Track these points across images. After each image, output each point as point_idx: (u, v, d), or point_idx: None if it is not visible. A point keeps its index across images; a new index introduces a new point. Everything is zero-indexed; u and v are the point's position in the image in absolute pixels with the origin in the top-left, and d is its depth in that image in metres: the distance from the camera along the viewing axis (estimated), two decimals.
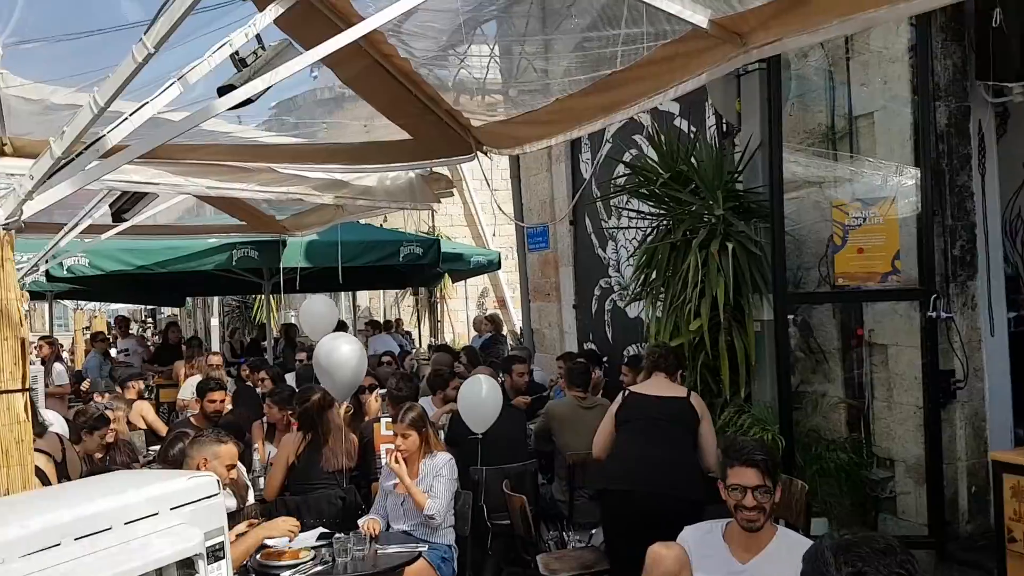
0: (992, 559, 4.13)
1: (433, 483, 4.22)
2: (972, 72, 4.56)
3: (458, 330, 15.63)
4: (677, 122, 6.28)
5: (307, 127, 5.33)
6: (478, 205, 15.26)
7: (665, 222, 5.28)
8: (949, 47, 4.55)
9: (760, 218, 4.82)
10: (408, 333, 14.52)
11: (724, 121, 5.50)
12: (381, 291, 16.96)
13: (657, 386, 4.19)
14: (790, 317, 4.58)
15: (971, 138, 4.60)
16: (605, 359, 7.10)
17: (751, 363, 4.74)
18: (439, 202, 5.83)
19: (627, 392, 4.19)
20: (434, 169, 5.44)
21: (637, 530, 3.45)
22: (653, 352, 4.48)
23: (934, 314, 4.30)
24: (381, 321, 13.93)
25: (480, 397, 4.78)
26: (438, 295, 15.87)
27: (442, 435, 5.34)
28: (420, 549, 3.95)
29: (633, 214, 6.09)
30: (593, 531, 5.02)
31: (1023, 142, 4.87)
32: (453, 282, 13.66)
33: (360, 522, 4.12)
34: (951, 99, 4.54)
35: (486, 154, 4.71)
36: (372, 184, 5.33)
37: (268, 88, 2.49)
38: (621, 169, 6.77)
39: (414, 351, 12.42)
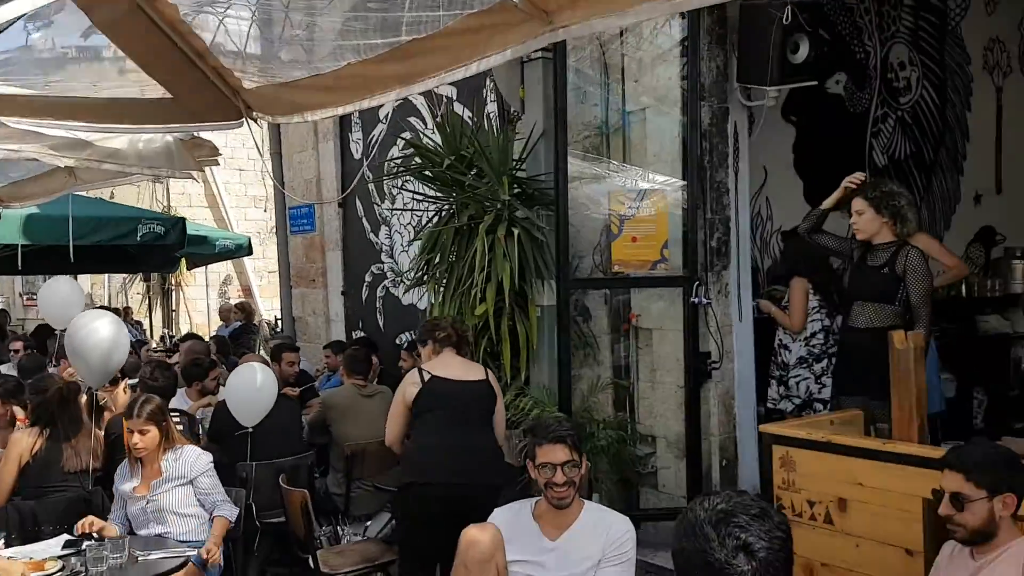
0: None
1: (198, 481, 3.83)
2: (733, 75, 4.95)
3: (196, 320, 14.55)
4: (455, 107, 6.24)
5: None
6: (221, 185, 14.31)
7: (449, 206, 5.22)
8: (714, 50, 4.89)
9: (543, 205, 4.90)
10: (139, 323, 13.28)
11: (505, 108, 5.54)
12: (106, 276, 15.39)
13: (455, 366, 3.94)
14: (574, 300, 4.70)
15: (729, 138, 4.99)
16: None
17: (532, 347, 4.81)
18: (201, 171, 5.33)
19: (428, 376, 3.84)
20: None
21: (442, 520, 3.35)
22: (436, 327, 4.08)
23: (696, 300, 4.61)
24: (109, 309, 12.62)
25: (255, 387, 4.42)
26: (173, 282, 14.68)
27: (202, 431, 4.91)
28: (188, 554, 3.56)
29: (413, 197, 5.95)
30: (368, 523, 4.86)
31: (765, 144, 5.36)
32: (190, 268, 12.62)
33: (79, 524, 3.57)
34: (713, 100, 4.89)
35: (256, 120, 4.35)
36: (122, 147, 4.74)
37: None
38: (396, 151, 6.61)
39: (150, 342, 11.38)
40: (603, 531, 2.80)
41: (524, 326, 4.84)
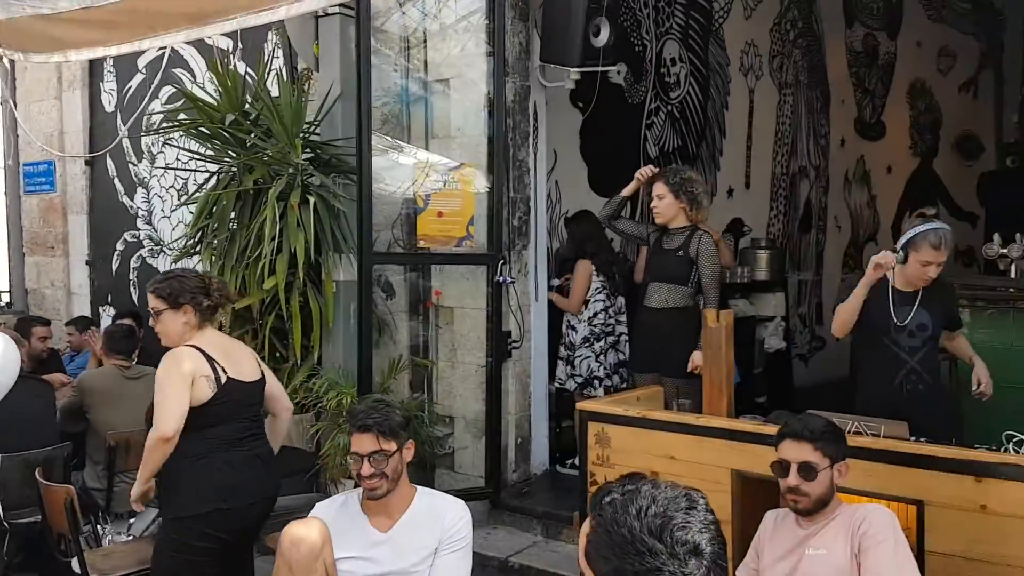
0: (537, 503, 4.59)
1: None
2: (534, 53, 4.94)
3: None
4: (235, 62, 5.69)
5: None
6: None
7: (228, 168, 4.74)
8: (517, 25, 4.85)
9: (340, 173, 4.60)
10: None
11: (295, 65, 5.13)
12: None
13: (237, 355, 3.14)
14: (376, 276, 4.46)
15: (530, 117, 4.98)
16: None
17: (328, 324, 4.51)
18: None
19: (225, 378, 2.98)
20: None
21: (234, 547, 3.00)
22: (205, 287, 3.08)
23: (501, 279, 4.56)
24: None
25: None
26: None
27: None
28: None
29: (178, 158, 5.35)
30: (132, 520, 4.32)
31: (554, 127, 5.41)
32: None
33: None
34: (516, 76, 4.85)
35: (1, 59, 3.68)
36: None
37: None
38: (159, 105, 5.94)
39: None
40: (437, 518, 2.65)
41: (318, 302, 4.52)
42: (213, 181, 4.88)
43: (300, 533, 2.45)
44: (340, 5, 4.44)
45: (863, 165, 8.95)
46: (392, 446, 2.61)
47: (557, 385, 5.17)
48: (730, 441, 3.09)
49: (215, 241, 4.69)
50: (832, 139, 8.52)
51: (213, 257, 4.69)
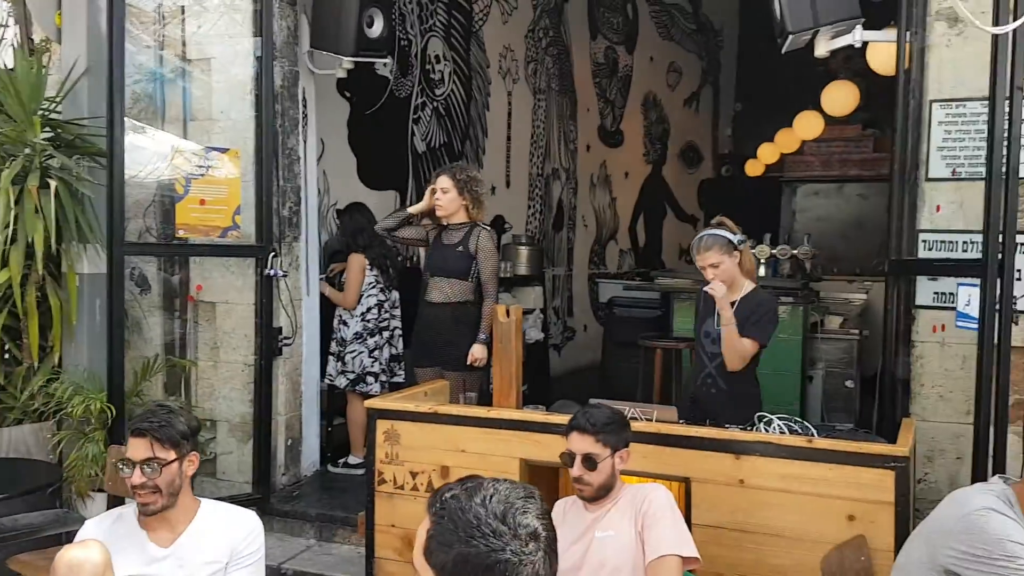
0: (310, 506, 4.43)
1: None
2: (303, 38, 4.76)
3: None
4: None
5: None
6: None
7: None
8: (285, 9, 4.64)
9: (86, 155, 4.13)
10: None
11: (30, 36, 4.53)
12: None
13: None
14: (129, 270, 4.05)
15: (299, 103, 4.79)
16: None
17: (71, 322, 4.04)
18: None
19: None
20: None
21: None
22: None
23: (272, 272, 4.35)
24: None
25: None
26: None
27: None
28: None
29: None
30: None
31: (322, 116, 5.25)
32: None
33: None
34: (284, 61, 4.64)
35: None
36: None
37: None
38: None
39: None
40: (226, 532, 2.46)
41: (59, 297, 4.04)
42: None
43: (79, 556, 2.17)
44: None
45: (605, 169, 9.60)
46: (170, 455, 2.39)
47: (327, 382, 5.03)
48: (519, 432, 3.18)
49: None
50: (579, 144, 9.05)
51: None
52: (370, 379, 4.93)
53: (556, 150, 8.60)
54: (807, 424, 3.06)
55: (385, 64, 6.26)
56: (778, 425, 3.03)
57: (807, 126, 8.77)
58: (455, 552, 1.31)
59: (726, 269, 3.47)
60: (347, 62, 4.68)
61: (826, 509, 2.79)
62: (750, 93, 11.70)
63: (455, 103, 7.16)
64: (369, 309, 4.98)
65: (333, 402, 5.19)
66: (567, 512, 2.74)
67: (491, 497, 1.36)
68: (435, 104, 6.91)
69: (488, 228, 4.37)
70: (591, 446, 2.57)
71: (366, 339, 4.95)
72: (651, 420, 3.11)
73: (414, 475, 3.34)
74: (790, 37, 3.67)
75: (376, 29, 4.70)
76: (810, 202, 10.56)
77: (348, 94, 5.91)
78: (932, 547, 2.08)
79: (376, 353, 4.97)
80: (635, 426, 2.98)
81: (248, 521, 2.52)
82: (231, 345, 4.51)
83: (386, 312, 5.05)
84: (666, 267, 10.28)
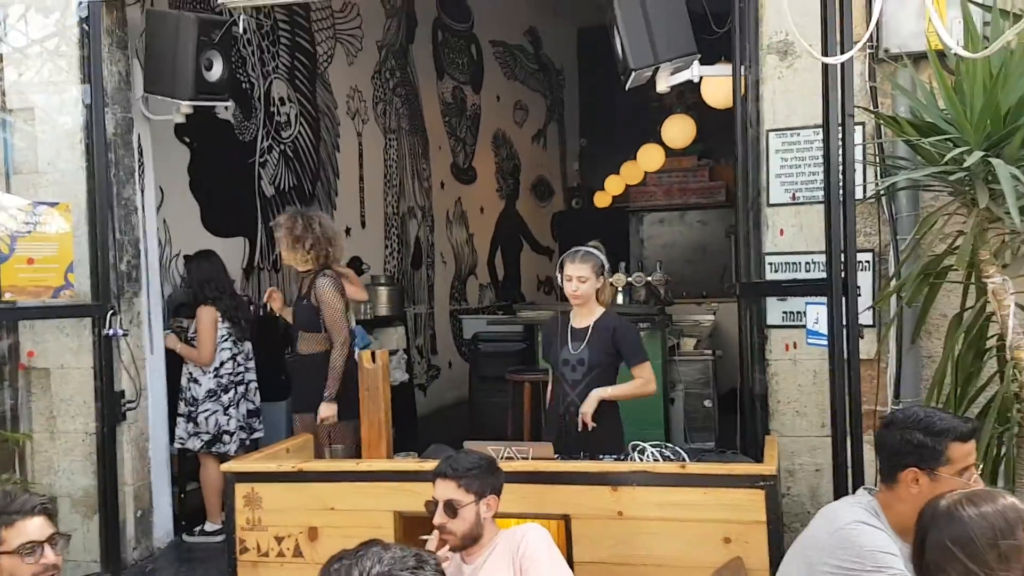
0: None
1: None
2: (136, 84, 4.51)
3: None
4: None
5: None
6: None
7: None
8: (115, 53, 4.39)
9: None
10: None
11: None
12: None
13: None
14: None
15: (134, 151, 4.52)
16: None
17: None
18: None
19: None
20: None
21: None
22: None
23: (111, 332, 4.04)
24: None
25: None
26: None
27: None
28: None
29: None
30: None
31: (161, 163, 4.98)
32: None
33: None
34: (117, 108, 4.38)
35: None
36: None
37: None
38: None
39: None
40: None
41: None
42: None
43: None
44: None
45: (461, 206, 9.62)
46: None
47: (178, 446, 4.70)
48: (392, 483, 3.06)
49: None
50: (433, 182, 9.03)
51: None
52: (226, 438, 4.65)
53: (411, 188, 8.54)
54: (678, 449, 3.11)
55: (226, 108, 6.01)
56: (651, 453, 3.06)
57: (649, 158, 9.13)
58: None
59: (589, 287, 3.56)
60: (185, 107, 4.46)
61: (703, 533, 2.82)
62: (593, 128, 12.11)
63: (303, 145, 6.98)
64: (223, 363, 4.72)
65: (184, 466, 4.86)
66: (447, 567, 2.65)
67: (370, 570, 1.31)
68: (282, 146, 6.71)
69: (327, 274, 4.27)
70: (453, 492, 2.48)
71: (220, 396, 4.68)
72: (527, 458, 3.07)
73: (279, 540, 3.15)
74: (633, 74, 3.78)
75: (215, 72, 4.51)
76: (656, 230, 10.99)
77: (188, 139, 5.64)
78: (808, 564, 2.13)
79: (231, 410, 4.71)
80: (511, 466, 2.94)
81: None
82: (69, 413, 4.15)
83: (240, 365, 4.80)
84: (526, 299, 10.39)
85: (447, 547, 2.51)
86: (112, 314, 4.05)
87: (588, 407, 3.45)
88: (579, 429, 3.46)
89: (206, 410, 4.64)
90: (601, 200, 11.19)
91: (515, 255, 10.92)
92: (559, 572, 2.50)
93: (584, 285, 3.54)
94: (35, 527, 2.15)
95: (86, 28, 4.13)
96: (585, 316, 3.62)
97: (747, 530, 2.77)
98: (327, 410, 4.05)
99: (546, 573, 2.45)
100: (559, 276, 3.66)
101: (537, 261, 11.31)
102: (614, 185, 10.74)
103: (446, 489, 2.50)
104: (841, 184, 2.93)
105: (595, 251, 3.62)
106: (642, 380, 3.57)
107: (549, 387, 3.83)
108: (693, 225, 10.66)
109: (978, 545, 1.63)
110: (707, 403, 5.91)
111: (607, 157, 11.07)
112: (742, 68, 3.68)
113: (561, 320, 3.70)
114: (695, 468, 2.91)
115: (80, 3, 4.08)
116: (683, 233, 10.71)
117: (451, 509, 2.48)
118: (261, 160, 6.44)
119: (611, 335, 3.56)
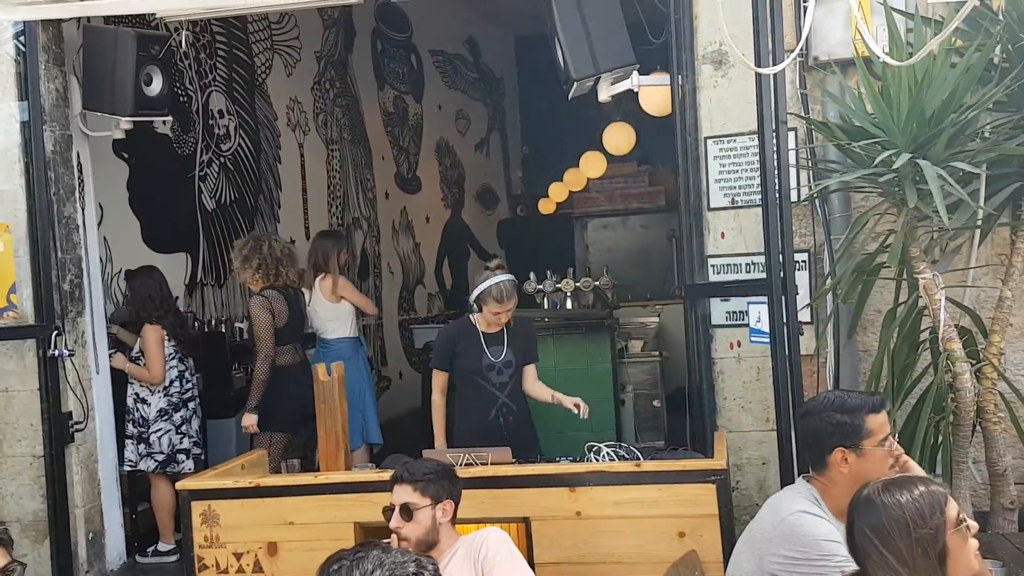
0: None
1: None
2: (73, 100, 4.45)
3: None
4: None
5: None
6: None
7: None
8: (52, 70, 4.32)
9: None
10: None
11: None
12: None
13: None
14: None
15: (74, 169, 4.45)
16: None
17: None
18: None
19: None
20: None
21: None
22: None
23: (57, 353, 3.97)
24: None
25: None
26: None
27: None
28: None
29: None
30: None
31: (99, 180, 4.89)
32: None
33: None
34: (55, 125, 4.31)
35: None
36: None
37: None
38: None
39: None
40: None
41: None
42: None
43: None
44: None
45: (406, 215, 9.63)
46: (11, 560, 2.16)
47: (127, 468, 4.63)
48: (351, 494, 3.08)
49: None
50: (378, 192, 9.02)
51: None
52: (181, 457, 4.61)
53: (355, 199, 8.52)
54: (632, 448, 3.20)
55: (164, 122, 5.95)
56: (607, 453, 3.14)
57: (591, 165, 9.27)
58: None
59: (513, 308, 3.71)
60: (125, 122, 4.42)
61: (658, 529, 2.91)
62: (534, 136, 12.21)
63: (243, 157, 6.92)
64: (171, 382, 4.68)
65: (134, 486, 4.78)
66: None
67: (371, 573, 1.34)
68: (222, 159, 6.65)
69: (265, 294, 4.63)
70: (409, 495, 2.52)
71: (171, 415, 4.64)
72: (486, 464, 3.12)
73: (239, 556, 3.14)
74: (575, 84, 3.88)
75: (155, 87, 4.48)
76: (599, 235, 11.12)
77: (126, 155, 5.56)
78: (758, 556, 2.22)
79: (184, 428, 4.66)
80: (470, 471, 2.99)
81: None
82: (15, 437, 4.07)
83: (187, 382, 4.75)
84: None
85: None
86: (57, 334, 3.99)
87: (570, 401, 3.70)
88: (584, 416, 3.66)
89: (158, 430, 4.59)
90: (545, 207, 11.29)
91: (462, 263, 10.95)
92: (521, 572, 2.55)
93: (510, 314, 3.75)
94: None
95: (21, 46, 4.06)
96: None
97: (700, 524, 2.87)
98: (248, 420, 4.53)
99: (509, 571, 2.50)
100: (477, 306, 3.75)
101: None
102: (558, 192, 10.84)
103: (402, 493, 2.54)
104: (777, 187, 3.06)
105: (508, 276, 3.77)
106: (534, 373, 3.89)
107: (438, 395, 3.87)
108: (636, 230, 10.83)
109: (891, 534, 1.66)
110: (656, 403, 6.03)
111: (550, 164, 11.16)
112: (679, 78, 3.79)
113: (467, 328, 3.81)
114: (649, 466, 3.00)
115: (15, 21, 4.01)
116: (626, 238, 10.87)
117: (407, 512, 2.51)
118: (201, 174, 6.37)
119: (523, 336, 3.81)
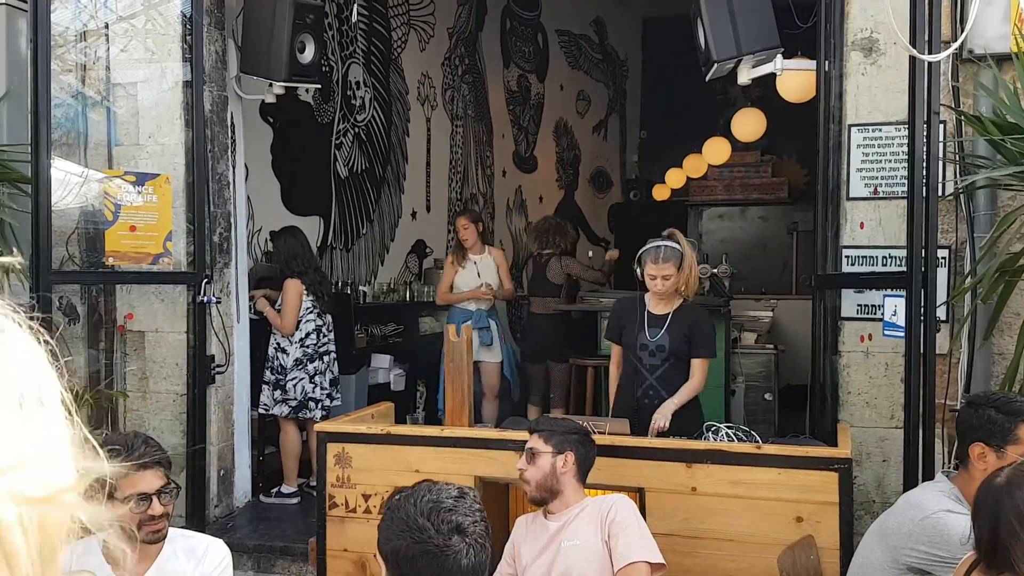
0: (246, 538, 4.33)
1: None
2: (231, 63, 4.71)
3: None
4: None
5: None
6: None
7: None
8: (213, 33, 4.59)
9: (6, 182, 3.97)
10: None
11: None
12: None
13: None
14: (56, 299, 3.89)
15: (228, 128, 4.73)
16: None
17: None
18: None
19: None
20: None
21: None
22: None
23: (206, 299, 4.25)
24: None
25: None
26: None
27: None
28: None
29: None
30: None
31: (249, 141, 5.19)
32: None
33: None
34: (213, 86, 4.58)
35: None
36: None
37: None
38: None
39: None
40: (197, 561, 2.41)
41: None
42: None
43: None
44: None
45: (521, 194, 9.75)
46: (168, 481, 2.36)
47: (262, 411, 4.93)
48: (473, 449, 3.21)
49: None
50: (496, 169, 9.17)
51: None
52: (312, 405, 4.87)
53: (474, 175, 8.69)
54: (752, 432, 3.20)
55: (308, 90, 6.22)
56: (726, 433, 3.16)
57: (715, 152, 9.14)
58: (392, 545, 1.60)
59: (673, 283, 3.60)
60: (278, 87, 4.66)
61: (775, 512, 2.92)
62: (653, 121, 12.12)
63: (376, 129, 7.17)
64: (308, 335, 4.93)
65: (264, 430, 5.08)
66: (528, 527, 2.79)
67: (422, 498, 1.63)
68: (357, 130, 6.90)
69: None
70: (535, 442, 2.71)
71: (306, 365, 4.90)
72: (604, 433, 3.19)
73: (367, 498, 3.32)
74: (715, 65, 3.87)
75: (308, 55, 4.70)
76: (714, 224, 10.98)
77: (271, 119, 5.85)
78: (893, 550, 2.22)
79: (317, 378, 4.92)
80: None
81: (218, 549, 2.47)
82: (162, 375, 4.38)
83: (324, 337, 5.00)
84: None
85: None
86: (206, 282, 4.26)
87: (665, 421, 3.53)
88: (658, 429, 3.53)
89: (294, 378, 4.86)
90: (659, 193, 11.21)
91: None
92: (646, 537, 2.63)
93: (668, 282, 3.58)
94: (148, 479, 2.30)
95: (186, 10, 4.33)
96: (664, 305, 3.71)
97: (819, 510, 2.86)
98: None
99: (634, 536, 2.59)
100: (637, 270, 3.71)
101: (593, 252, 11.38)
102: (675, 178, 10.74)
103: (532, 440, 2.74)
104: (925, 180, 2.99)
105: (673, 243, 3.66)
106: (698, 379, 3.65)
107: (613, 367, 3.93)
108: (754, 221, 10.64)
109: None
110: (768, 396, 5.97)
111: (666, 149, 11.07)
112: (826, 63, 3.74)
113: (637, 304, 3.78)
114: (770, 449, 3.00)
115: None
116: (744, 229, 10.69)
117: (531, 455, 2.70)
118: (337, 142, 6.64)
119: (689, 324, 3.65)
